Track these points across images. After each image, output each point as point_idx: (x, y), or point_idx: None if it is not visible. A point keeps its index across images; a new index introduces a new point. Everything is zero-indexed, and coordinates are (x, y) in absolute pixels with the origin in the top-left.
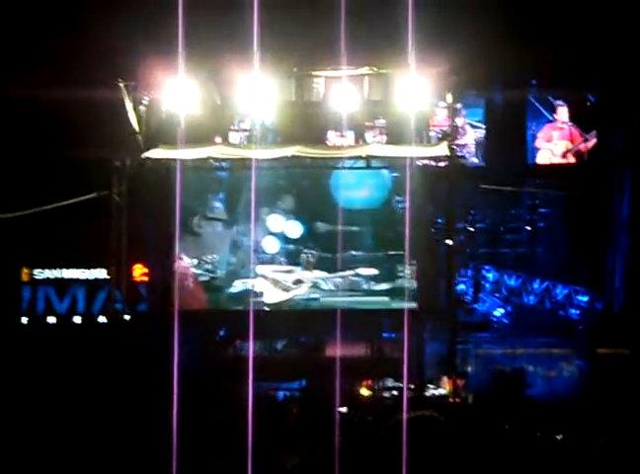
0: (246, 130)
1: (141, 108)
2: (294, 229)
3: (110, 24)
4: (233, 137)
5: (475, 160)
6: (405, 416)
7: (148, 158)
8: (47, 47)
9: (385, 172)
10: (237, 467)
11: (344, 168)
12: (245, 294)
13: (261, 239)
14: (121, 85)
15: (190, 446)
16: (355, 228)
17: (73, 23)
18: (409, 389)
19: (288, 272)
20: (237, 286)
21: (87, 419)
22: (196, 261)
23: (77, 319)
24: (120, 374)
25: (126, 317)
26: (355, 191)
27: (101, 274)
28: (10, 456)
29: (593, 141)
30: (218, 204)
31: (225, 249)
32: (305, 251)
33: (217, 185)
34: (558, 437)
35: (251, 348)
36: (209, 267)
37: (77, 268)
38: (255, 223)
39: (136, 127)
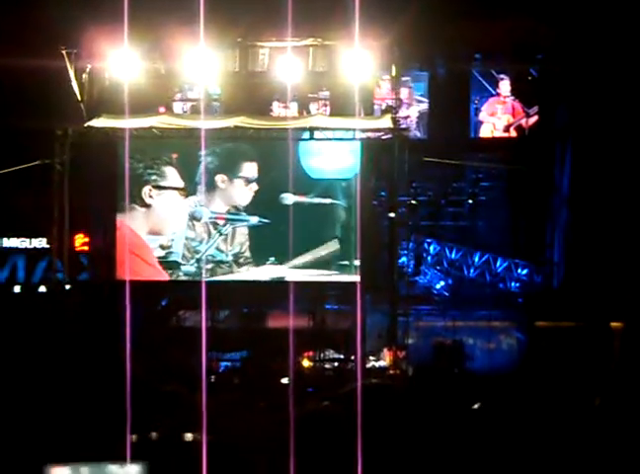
0: (190, 100)
1: (84, 76)
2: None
3: None
4: (177, 107)
5: (418, 133)
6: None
7: (91, 127)
8: None
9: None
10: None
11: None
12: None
13: (219, 210)
14: (64, 53)
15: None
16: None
17: None
18: (351, 361)
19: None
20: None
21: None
22: (150, 235)
23: (17, 288)
24: (60, 343)
25: (67, 286)
26: (321, 160)
27: (41, 243)
28: None
29: (534, 116)
30: (171, 173)
31: (181, 222)
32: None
33: (169, 153)
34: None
35: (203, 318)
36: (165, 242)
37: (17, 237)
38: (213, 193)
39: (79, 96)
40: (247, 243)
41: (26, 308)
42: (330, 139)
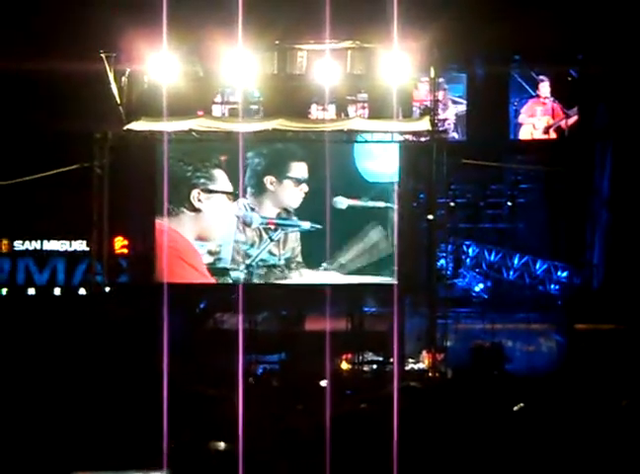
0: (229, 103)
1: (123, 79)
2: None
3: None
4: (216, 110)
5: (456, 135)
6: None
7: (130, 130)
8: (29, 20)
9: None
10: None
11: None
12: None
13: (269, 213)
14: (104, 57)
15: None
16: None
17: None
18: (389, 363)
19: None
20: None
21: (68, 389)
22: (198, 241)
23: (57, 291)
24: (99, 346)
25: (106, 289)
26: (378, 162)
27: (81, 245)
28: None
29: (574, 117)
30: (220, 176)
31: (230, 226)
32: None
33: (217, 155)
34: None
35: (240, 321)
36: (213, 248)
37: (57, 239)
38: (262, 195)
39: (118, 99)
40: (299, 248)
41: (65, 310)
42: (367, 142)
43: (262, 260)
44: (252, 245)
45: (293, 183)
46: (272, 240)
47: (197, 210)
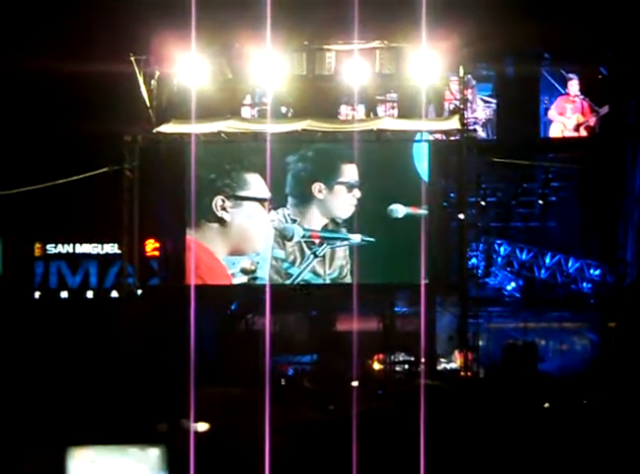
0: (258, 105)
1: (153, 82)
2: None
3: None
4: (245, 112)
5: (486, 134)
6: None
7: (159, 133)
8: (60, 22)
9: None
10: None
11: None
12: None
13: (314, 225)
14: (133, 59)
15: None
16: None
17: None
18: (421, 363)
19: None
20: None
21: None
22: (230, 256)
23: (89, 294)
24: (130, 348)
25: (138, 291)
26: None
27: (113, 248)
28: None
29: (605, 115)
30: (254, 181)
31: (267, 240)
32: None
33: (251, 158)
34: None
35: (267, 322)
36: (247, 265)
37: (89, 242)
38: (307, 204)
39: (148, 102)
40: (348, 266)
41: (98, 313)
42: (397, 140)
43: (304, 280)
44: (293, 263)
45: (346, 188)
46: (316, 256)
47: (222, 221)
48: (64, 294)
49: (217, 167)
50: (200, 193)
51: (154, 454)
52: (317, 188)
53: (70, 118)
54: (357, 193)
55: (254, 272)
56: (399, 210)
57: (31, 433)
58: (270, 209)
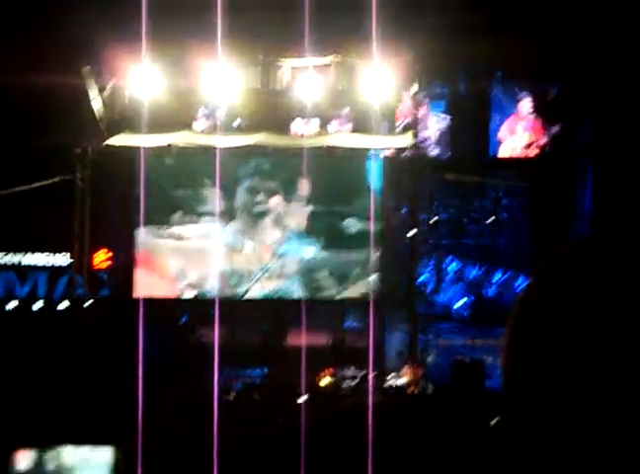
0: (210, 118)
1: (104, 94)
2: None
3: (71, 8)
4: (197, 124)
5: (438, 151)
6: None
7: (109, 145)
8: (6, 33)
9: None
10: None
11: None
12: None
13: (267, 238)
14: (85, 70)
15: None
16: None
17: (33, 8)
18: (369, 378)
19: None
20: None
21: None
22: (179, 270)
23: (38, 305)
24: (80, 360)
25: (88, 303)
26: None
27: (62, 259)
28: None
29: (556, 133)
30: (207, 194)
31: (218, 254)
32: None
33: (206, 172)
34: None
35: (216, 335)
36: (194, 280)
37: (38, 252)
38: (260, 217)
39: (98, 114)
40: (298, 280)
41: (46, 324)
42: (349, 157)
43: (254, 295)
44: (242, 277)
45: (299, 202)
46: (267, 271)
47: (177, 236)
48: (12, 305)
49: (172, 179)
50: (154, 205)
51: (105, 454)
52: (270, 201)
53: (19, 130)
54: (310, 207)
55: (203, 286)
56: (351, 226)
57: None
58: (222, 223)
